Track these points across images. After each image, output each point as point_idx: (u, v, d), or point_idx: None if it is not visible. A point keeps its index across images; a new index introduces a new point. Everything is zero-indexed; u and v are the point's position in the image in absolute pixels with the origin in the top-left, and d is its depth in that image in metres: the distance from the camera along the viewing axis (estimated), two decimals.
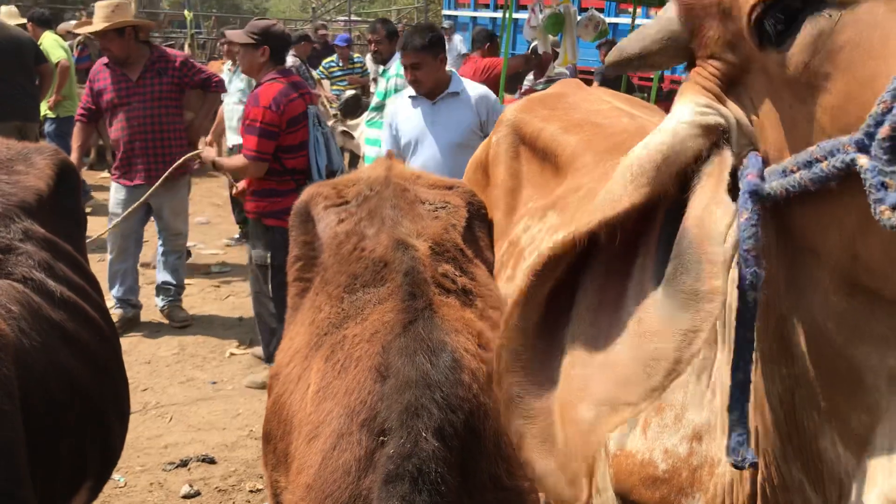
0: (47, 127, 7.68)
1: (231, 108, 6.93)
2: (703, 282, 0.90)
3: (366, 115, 6.90)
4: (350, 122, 7.73)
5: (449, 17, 14.81)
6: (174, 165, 4.67)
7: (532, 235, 2.26)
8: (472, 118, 4.05)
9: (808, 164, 0.87)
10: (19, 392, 1.56)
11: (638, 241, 1.05)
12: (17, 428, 1.54)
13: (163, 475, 3.72)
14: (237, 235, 7.47)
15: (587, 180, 2.22)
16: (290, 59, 7.81)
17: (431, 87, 4.03)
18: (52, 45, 7.69)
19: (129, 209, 4.77)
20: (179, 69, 5.18)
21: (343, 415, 1.41)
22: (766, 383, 1.10)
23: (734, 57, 1.00)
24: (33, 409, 1.61)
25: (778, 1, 0.88)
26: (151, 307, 5.60)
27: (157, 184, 4.70)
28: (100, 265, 5.15)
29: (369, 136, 6.19)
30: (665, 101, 7.36)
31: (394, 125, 4.17)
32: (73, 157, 5.01)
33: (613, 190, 1.01)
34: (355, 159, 8.09)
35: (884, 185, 0.78)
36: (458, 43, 12.25)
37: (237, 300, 6.06)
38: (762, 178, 0.96)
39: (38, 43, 7.31)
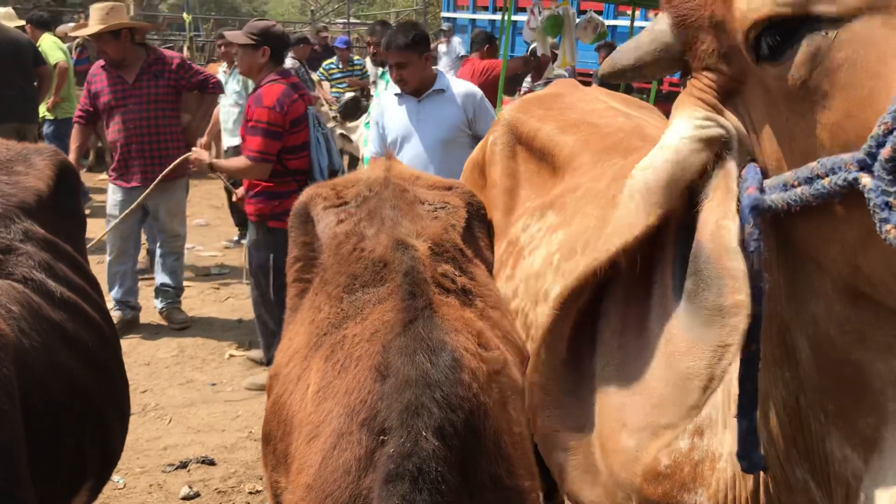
0: (46, 128, 7.67)
1: (227, 110, 6.93)
2: (726, 297, 0.91)
3: (365, 118, 6.91)
4: (349, 125, 7.74)
5: (448, 19, 14.81)
6: (166, 170, 4.65)
7: (531, 235, 2.27)
8: (458, 115, 4.04)
9: (810, 181, 0.88)
10: (19, 392, 1.56)
11: (652, 261, 1.06)
12: (17, 428, 1.54)
13: (162, 476, 3.71)
14: (236, 237, 7.46)
15: (585, 180, 2.23)
16: (289, 62, 7.82)
17: (417, 85, 4.03)
18: (51, 46, 7.70)
19: (125, 212, 4.77)
20: (176, 71, 5.18)
21: (343, 414, 1.41)
22: (770, 387, 1.10)
23: (729, 69, 1.01)
24: (33, 410, 1.61)
25: (774, 24, 0.89)
26: (150, 309, 5.60)
27: (150, 187, 4.70)
28: (99, 267, 5.14)
29: (369, 138, 6.20)
30: (664, 102, 7.35)
31: (380, 123, 4.18)
32: (72, 159, 4.97)
33: (626, 214, 1.01)
34: (354, 161, 8.09)
35: (888, 205, 0.79)
36: (456, 45, 12.26)
37: (236, 302, 6.06)
38: (762, 190, 0.97)
39: (37, 45, 7.32)
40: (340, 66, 9.09)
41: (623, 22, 10.33)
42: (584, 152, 2.33)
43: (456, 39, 12.56)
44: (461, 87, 4.18)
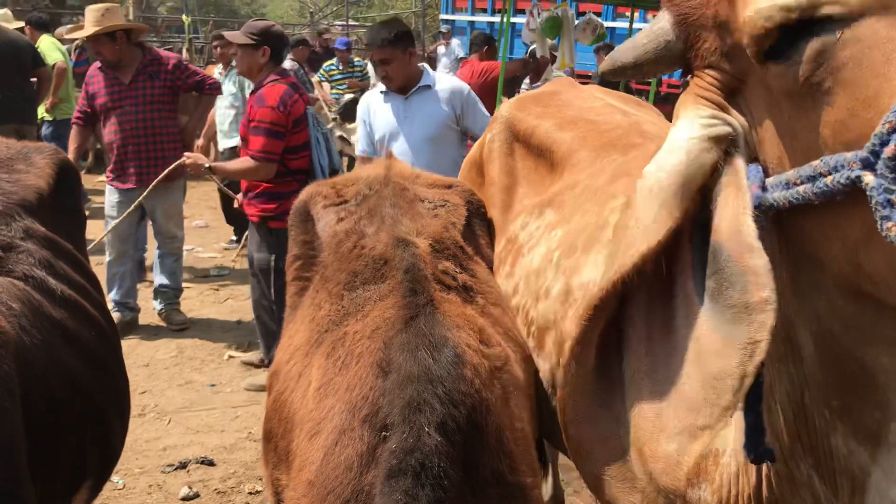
0: (44, 130, 7.67)
1: (222, 112, 6.92)
2: (752, 294, 0.91)
3: None
4: (348, 126, 7.75)
5: (446, 21, 14.83)
6: (161, 176, 4.63)
7: (530, 232, 2.27)
8: (445, 112, 4.02)
9: (812, 179, 0.88)
10: (20, 389, 1.55)
11: (670, 263, 1.06)
12: (17, 426, 1.53)
13: (162, 477, 3.71)
14: (234, 237, 7.45)
15: (584, 177, 2.23)
16: (288, 63, 7.82)
17: (402, 82, 4.00)
18: (50, 47, 7.70)
19: (123, 215, 4.76)
20: (172, 72, 5.17)
21: (345, 411, 1.41)
22: (775, 382, 1.10)
23: (731, 67, 1.01)
24: (34, 407, 1.61)
25: (783, 31, 0.89)
26: (150, 310, 5.60)
27: (146, 191, 4.68)
28: (98, 268, 5.13)
29: (357, 137, 6.19)
30: (662, 104, 7.37)
31: (367, 121, 4.15)
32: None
33: (647, 218, 1.01)
34: (353, 163, 8.09)
35: (890, 203, 0.80)
36: (455, 47, 12.27)
37: (236, 303, 6.05)
38: (764, 188, 0.97)
39: (36, 46, 7.32)
40: (341, 68, 9.10)
41: (622, 24, 10.33)
42: (582, 149, 2.33)
43: (455, 41, 12.58)
44: (447, 82, 4.16)
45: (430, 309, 1.51)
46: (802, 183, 0.90)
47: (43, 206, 2.05)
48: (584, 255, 1.95)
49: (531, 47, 8.45)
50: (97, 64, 5.23)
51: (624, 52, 1.09)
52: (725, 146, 1.01)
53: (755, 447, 1.03)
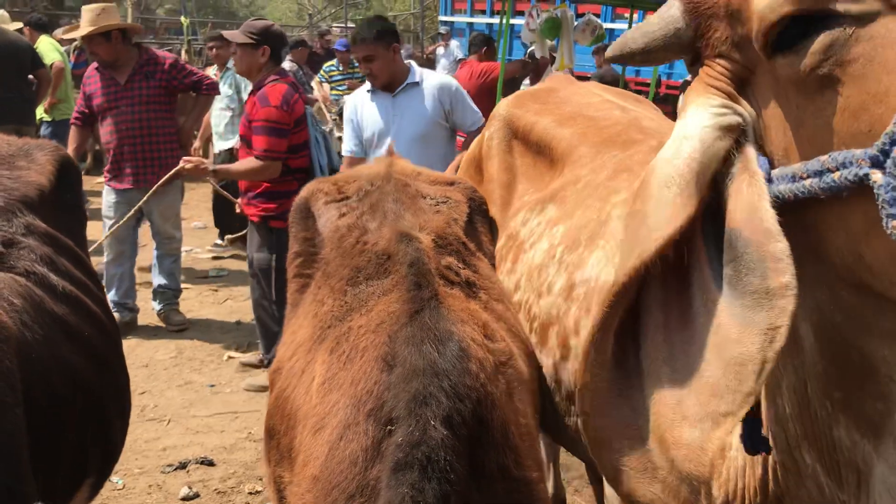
0: (43, 130, 7.66)
1: (218, 113, 6.91)
2: (772, 279, 0.91)
3: None
4: None
5: (445, 22, 14.84)
6: (161, 181, 4.61)
7: (531, 229, 2.26)
8: (434, 108, 3.97)
9: (819, 174, 0.89)
10: (22, 385, 1.54)
11: (683, 252, 1.06)
12: (19, 421, 1.52)
13: (161, 477, 3.69)
14: (218, 241, 7.40)
15: (585, 172, 2.23)
16: (288, 65, 7.82)
17: (388, 79, 3.95)
18: (48, 48, 7.70)
19: (121, 221, 4.73)
20: (168, 71, 5.15)
21: (349, 405, 1.40)
22: (780, 373, 1.10)
23: (741, 57, 1.01)
24: (36, 403, 1.60)
25: (794, 24, 0.89)
26: (149, 311, 5.58)
27: (146, 196, 4.66)
28: (96, 269, 5.13)
29: (344, 137, 6.16)
30: (662, 104, 7.37)
31: (355, 121, 4.09)
32: None
33: (665, 205, 1.01)
34: None
35: None
36: (454, 48, 12.28)
37: (235, 304, 6.04)
38: (769, 179, 0.98)
39: (35, 47, 7.31)
40: (341, 69, 9.11)
41: (621, 25, 10.35)
42: (582, 145, 2.33)
43: (454, 43, 12.59)
44: (435, 79, 4.11)
45: (435, 303, 1.50)
46: (809, 177, 0.91)
47: (44, 202, 2.05)
48: (587, 251, 1.95)
49: (530, 48, 8.46)
50: (95, 65, 5.22)
51: (633, 38, 1.09)
52: (736, 135, 1.01)
53: (752, 438, 1.03)
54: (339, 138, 7.64)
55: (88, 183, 8.88)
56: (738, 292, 0.95)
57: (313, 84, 9.02)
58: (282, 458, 1.74)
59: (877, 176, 0.82)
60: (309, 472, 1.44)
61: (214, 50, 7.43)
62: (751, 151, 1.00)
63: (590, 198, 2.11)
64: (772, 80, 0.97)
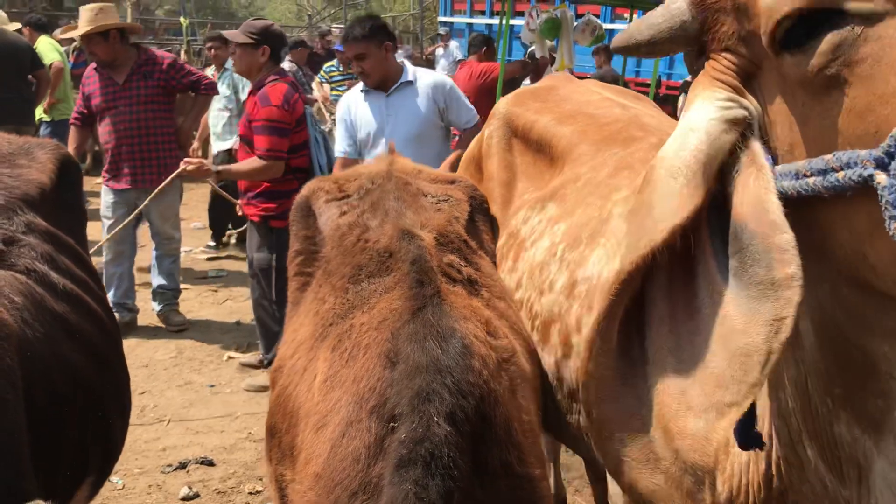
0: (42, 130, 7.65)
1: (215, 114, 6.90)
2: (777, 270, 0.91)
3: None
4: None
5: (445, 23, 14.85)
6: (163, 184, 4.61)
7: (532, 227, 2.26)
8: (429, 107, 3.93)
9: (823, 172, 0.89)
10: (22, 383, 1.54)
11: (690, 242, 1.06)
12: (20, 419, 1.52)
13: (161, 477, 3.69)
14: (211, 242, 7.39)
15: (585, 170, 2.23)
16: (287, 65, 7.82)
17: (381, 78, 3.92)
18: (47, 48, 7.69)
19: (120, 225, 4.71)
20: (166, 71, 5.14)
21: (352, 402, 1.40)
22: (782, 367, 1.10)
23: (748, 52, 1.01)
24: (36, 401, 1.59)
25: (801, 20, 0.89)
26: (148, 311, 5.58)
27: (147, 199, 4.64)
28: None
29: (336, 138, 6.15)
30: (662, 104, 7.37)
31: (348, 121, 4.05)
32: None
33: (671, 195, 1.02)
34: None
35: None
36: (454, 49, 12.28)
37: (235, 304, 6.04)
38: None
39: (34, 47, 7.31)
40: (341, 69, 9.11)
41: (621, 25, 10.35)
42: (582, 143, 2.33)
43: (453, 43, 12.59)
44: (429, 77, 4.08)
45: (438, 300, 1.50)
46: (813, 175, 0.91)
47: (45, 200, 2.05)
48: (588, 249, 1.95)
49: (530, 48, 8.46)
50: (94, 65, 5.22)
51: (639, 30, 1.09)
52: (742, 129, 1.01)
53: (744, 433, 1.03)
54: None
55: (88, 184, 8.83)
56: (743, 283, 0.95)
57: (313, 85, 9.02)
58: (283, 457, 1.74)
59: (881, 177, 0.82)
60: (311, 470, 1.43)
61: (213, 51, 7.42)
62: (757, 145, 1.00)
63: (591, 196, 2.10)
64: (778, 77, 0.97)
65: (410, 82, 3.96)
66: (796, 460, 1.13)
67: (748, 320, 0.94)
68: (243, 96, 6.56)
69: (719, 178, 1.01)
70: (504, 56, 7.56)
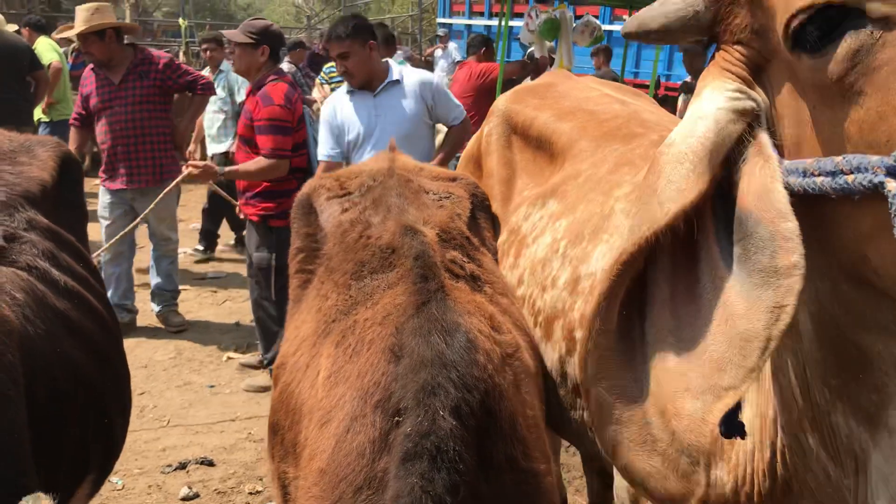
0: (41, 131, 7.64)
1: (211, 116, 6.88)
2: (781, 258, 0.92)
3: None
4: None
5: (443, 24, 14.86)
6: (168, 188, 4.59)
7: (533, 223, 2.26)
8: (418, 106, 3.88)
9: (832, 174, 0.88)
10: (24, 379, 1.53)
11: (694, 226, 1.06)
12: (21, 415, 1.51)
13: (161, 478, 3.68)
14: (199, 246, 7.36)
15: (586, 166, 2.22)
16: (286, 66, 7.82)
17: (365, 77, 3.85)
18: (46, 48, 7.69)
19: (121, 233, 4.69)
20: (162, 71, 5.12)
21: (356, 397, 1.39)
22: (785, 354, 1.10)
23: (760, 45, 1.01)
24: (38, 397, 1.59)
25: (818, 14, 0.88)
26: (148, 312, 5.57)
27: (152, 205, 4.60)
28: None
29: (319, 140, 6.12)
30: (661, 104, 7.37)
31: (334, 123, 3.94)
32: None
33: (677, 180, 1.02)
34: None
35: None
36: (452, 50, 12.28)
37: (234, 305, 6.02)
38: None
39: (33, 48, 7.30)
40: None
41: (620, 26, 10.35)
42: (582, 139, 2.33)
43: (452, 45, 12.59)
44: (415, 76, 4.02)
45: (442, 295, 1.50)
46: (821, 175, 0.91)
47: (46, 197, 2.04)
48: (591, 245, 1.94)
49: (530, 49, 8.46)
50: (91, 65, 5.21)
51: (652, 17, 1.08)
52: (749, 120, 1.01)
53: (729, 420, 1.03)
54: None
55: (87, 185, 8.84)
56: (746, 270, 0.95)
57: (314, 86, 9.01)
58: (286, 454, 1.73)
59: (892, 185, 0.82)
60: (315, 466, 1.42)
61: (209, 52, 7.40)
62: (764, 137, 1.00)
63: (592, 192, 2.10)
64: (789, 73, 0.97)
65: (397, 81, 3.91)
66: (799, 448, 1.13)
67: (749, 306, 0.94)
68: (239, 98, 6.55)
69: (725, 166, 1.01)
70: (503, 57, 7.57)
